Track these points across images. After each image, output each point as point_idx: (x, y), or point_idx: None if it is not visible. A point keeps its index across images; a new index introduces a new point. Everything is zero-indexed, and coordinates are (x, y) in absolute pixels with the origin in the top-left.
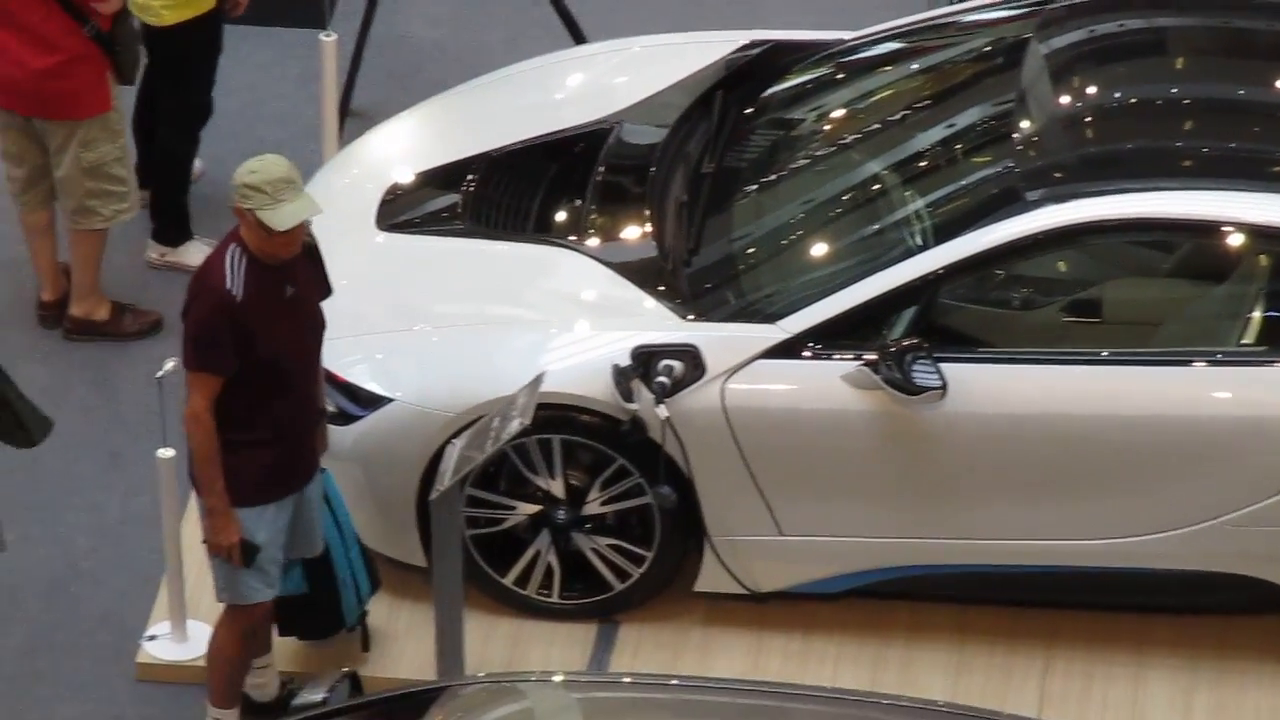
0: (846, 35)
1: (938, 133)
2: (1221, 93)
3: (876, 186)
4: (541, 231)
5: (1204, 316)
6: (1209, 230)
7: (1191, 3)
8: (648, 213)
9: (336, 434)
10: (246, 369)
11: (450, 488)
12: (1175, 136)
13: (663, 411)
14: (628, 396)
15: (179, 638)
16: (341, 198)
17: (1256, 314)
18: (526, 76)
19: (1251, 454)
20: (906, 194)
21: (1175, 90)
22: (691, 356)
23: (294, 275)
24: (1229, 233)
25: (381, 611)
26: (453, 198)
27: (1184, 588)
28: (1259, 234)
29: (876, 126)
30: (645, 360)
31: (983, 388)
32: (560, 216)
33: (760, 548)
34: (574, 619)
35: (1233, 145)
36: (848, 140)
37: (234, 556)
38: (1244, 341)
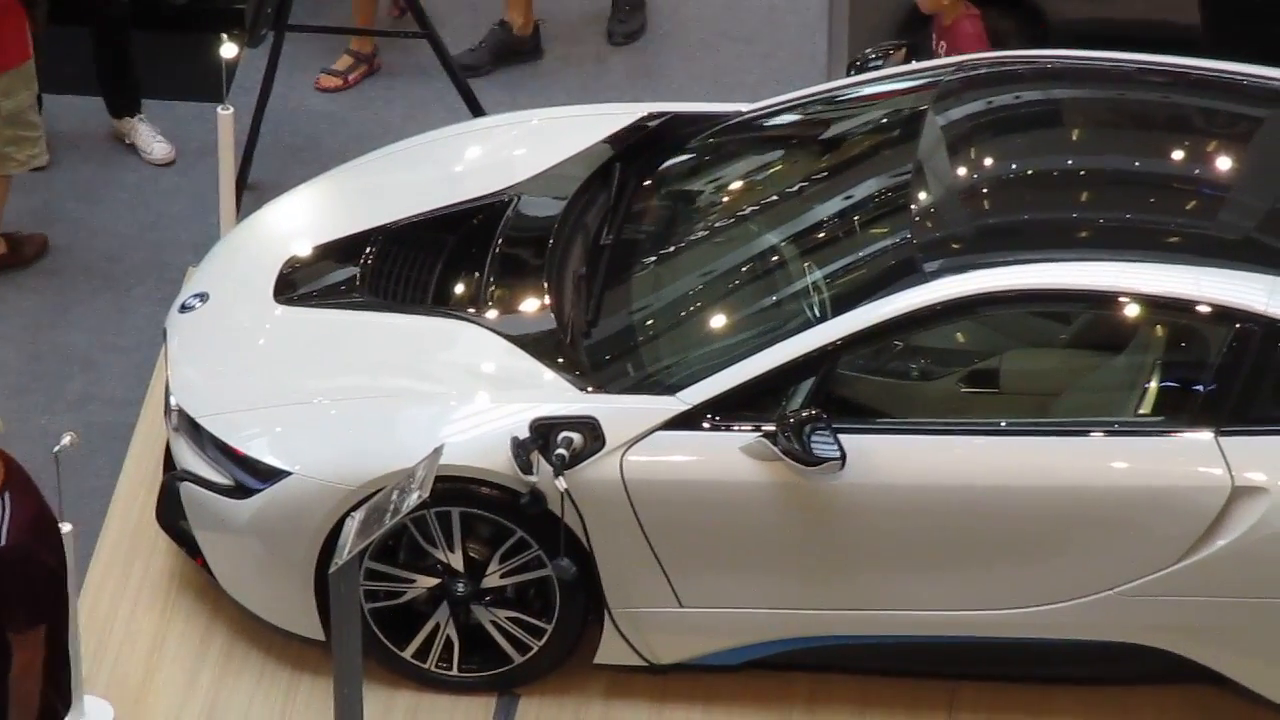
0: (744, 107)
1: (835, 204)
2: (1117, 164)
3: (775, 258)
4: (440, 304)
5: (1101, 387)
6: (1106, 301)
7: (1087, 75)
8: (546, 285)
9: (234, 508)
10: None
11: (349, 561)
12: (1072, 208)
13: (562, 484)
14: (527, 469)
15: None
16: (239, 271)
17: (1153, 384)
18: (425, 149)
19: (1149, 524)
20: (805, 265)
21: (1071, 162)
22: (590, 428)
23: None
24: (1125, 304)
25: (281, 687)
26: (351, 270)
27: (1084, 658)
28: (1155, 305)
29: (774, 198)
30: (544, 432)
31: (881, 458)
32: (459, 289)
33: (660, 620)
34: (474, 692)
35: (1128, 216)
36: (746, 212)
37: None
38: (1141, 412)
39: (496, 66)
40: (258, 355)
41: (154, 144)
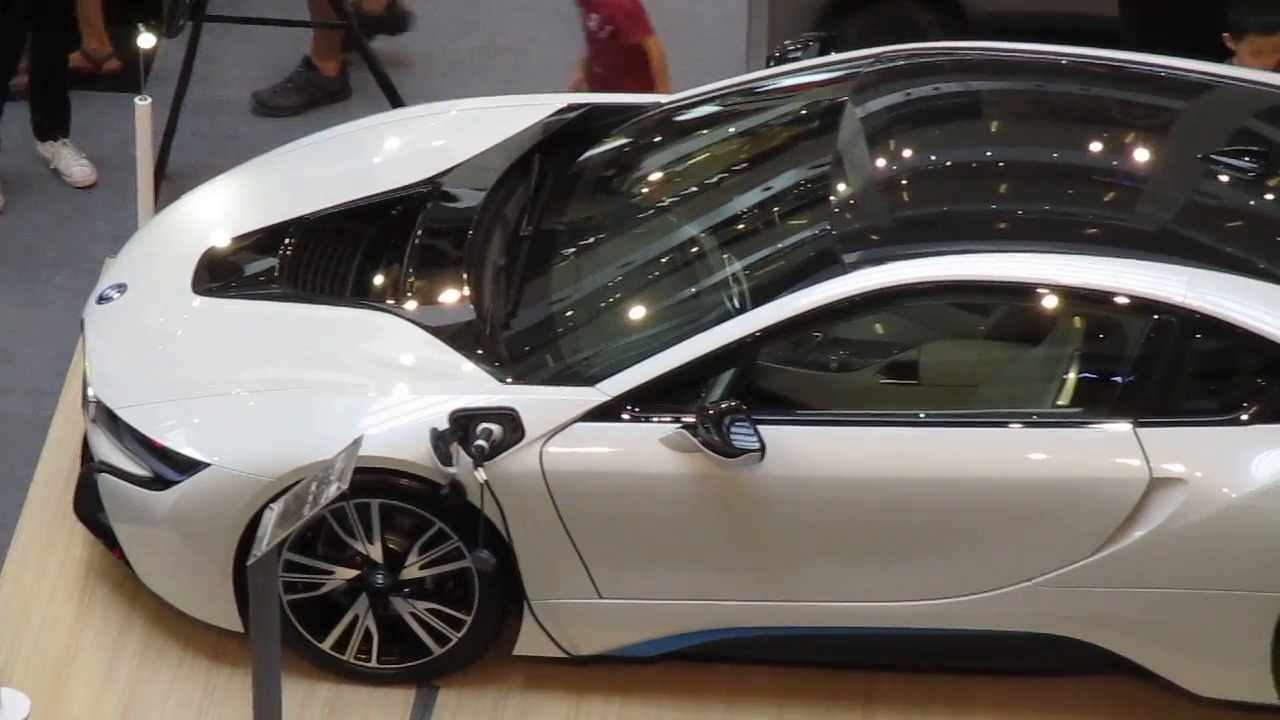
0: (663, 98)
1: (755, 196)
2: (1036, 156)
3: (694, 249)
4: (359, 295)
5: (1020, 378)
6: (1024, 292)
7: (1005, 67)
8: (465, 276)
9: (152, 499)
10: None
11: (268, 553)
12: (991, 199)
13: (481, 475)
14: (446, 460)
15: None
16: (157, 262)
17: (1071, 376)
18: (344, 140)
19: (1067, 515)
20: (724, 257)
21: (990, 153)
22: (510, 420)
23: None
24: (1044, 295)
25: (199, 678)
26: (269, 261)
27: (1003, 649)
28: (1073, 296)
29: (694, 189)
30: (463, 424)
31: (801, 450)
32: (378, 280)
33: (579, 611)
34: (392, 683)
35: (1047, 208)
36: (666, 203)
37: None
38: (1059, 403)
39: (305, 109)
40: (176, 346)
41: (75, 167)
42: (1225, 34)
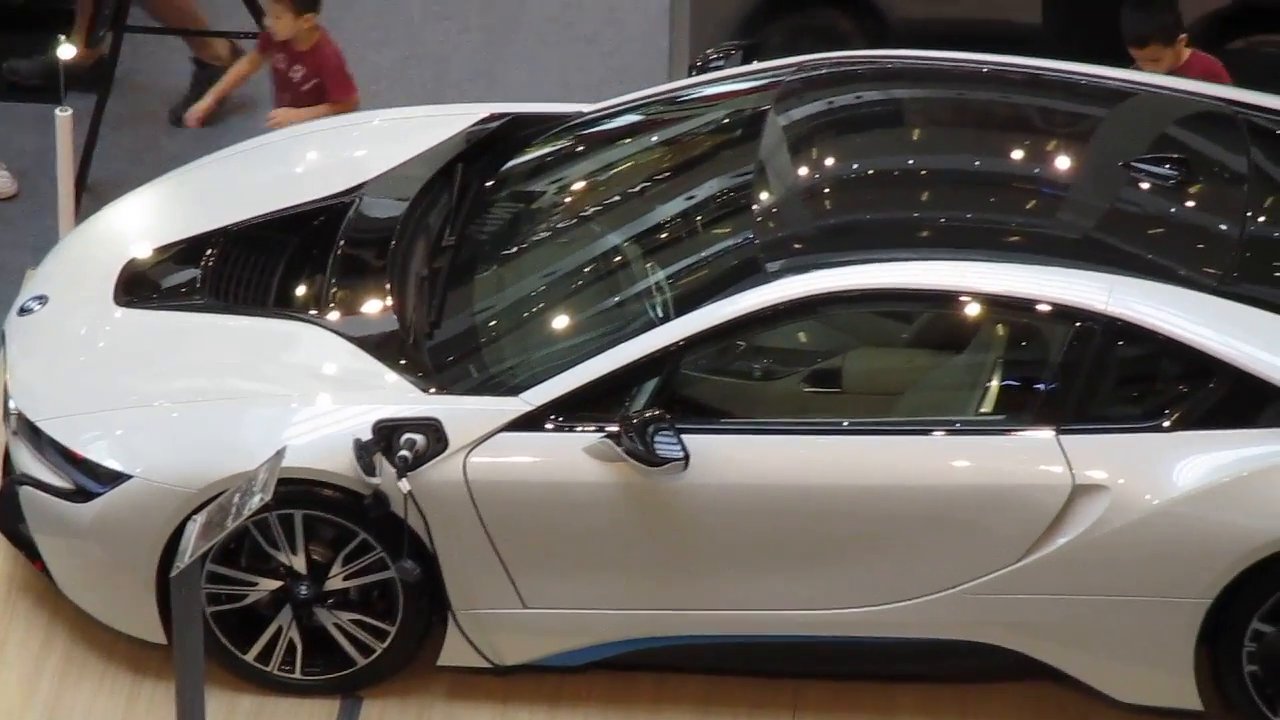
0: (585, 108)
1: (678, 204)
2: (958, 164)
3: (618, 258)
4: (282, 306)
5: (943, 386)
6: (947, 300)
7: (927, 75)
8: (389, 286)
9: (74, 512)
10: None
11: (191, 564)
12: (913, 207)
13: (405, 485)
14: (370, 471)
15: None
16: (78, 273)
17: (994, 383)
18: (266, 150)
19: (991, 522)
20: (648, 266)
21: (913, 161)
22: (434, 430)
23: None
24: (967, 303)
25: (123, 691)
26: (192, 272)
27: (927, 656)
28: (996, 304)
29: (617, 198)
30: (387, 434)
31: (725, 458)
32: (301, 290)
33: (504, 621)
34: (316, 694)
35: (969, 216)
36: (589, 212)
37: None
38: (983, 411)
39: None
40: (98, 358)
41: None
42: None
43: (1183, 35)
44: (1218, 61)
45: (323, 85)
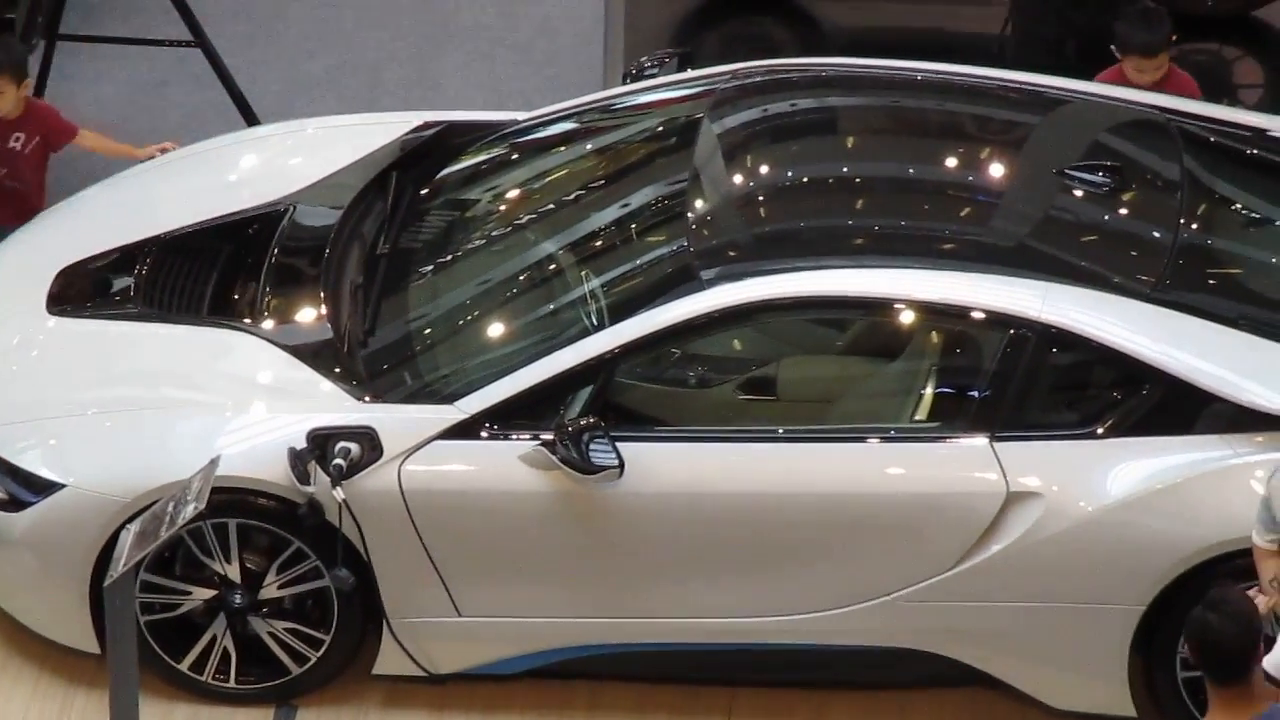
0: (520, 115)
1: (612, 212)
2: (892, 172)
3: (552, 266)
4: (216, 314)
5: (878, 393)
6: (881, 307)
7: (861, 83)
8: (323, 294)
9: (7, 521)
10: None
11: (124, 574)
12: (848, 215)
13: (339, 494)
14: (304, 479)
15: None
16: (11, 281)
17: (928, 390)
18: (200, 158)
19: (925, 530)
20: (582, 274)
21: (847, 169)
22: (368, 438)
23: None
24: (901, 310)
25: (56, 700)
26: (125, 281)
27: (862, 663)
28: (930, 311)
29: (552, 206)
30: (321, 443)
31: (660, 466)
32: (235, 299)
33: (439, 629)
34: (251, 703)
35: (903, 223)
36: (523, 220)
37: None
38: (917, 418)
39: None
40: (30, 367)
41: None
42: (1113, 45)
43: None
44: (1191, 79)
45: (45, 141)
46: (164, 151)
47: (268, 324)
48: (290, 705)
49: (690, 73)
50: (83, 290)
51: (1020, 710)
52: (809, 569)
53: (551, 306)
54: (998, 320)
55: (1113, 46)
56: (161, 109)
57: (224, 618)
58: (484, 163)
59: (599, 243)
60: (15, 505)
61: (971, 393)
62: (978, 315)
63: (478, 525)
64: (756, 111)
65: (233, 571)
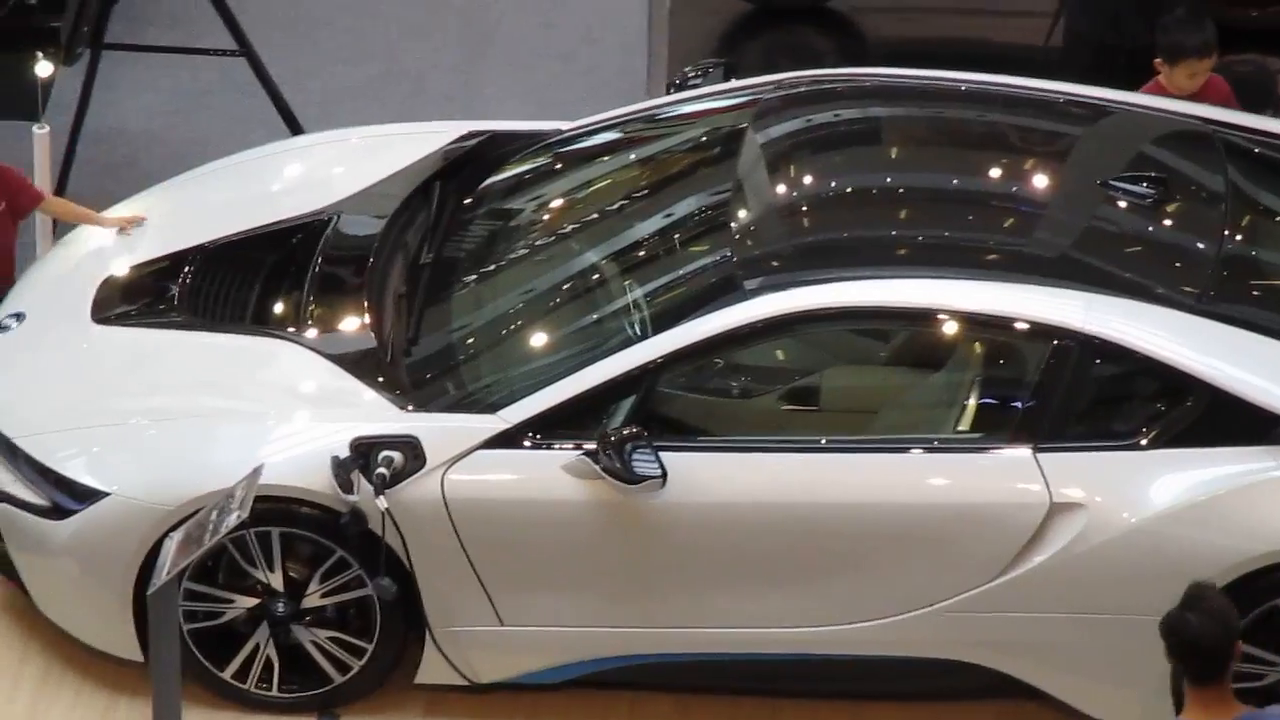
0: (564, 125)
1: (656, 222)
2: (935, 182)
3: (595, 276)
4: (259, 323)
5: (920, 404)
6: (924, 318)
7: (904, 93)
8: (366, 304)
9: (51, 529)
10: None
11: (167, 582)
12: (891, 225)
13: (382, 503)
14: (347, 488)
15: None
16: (56, 290)
17: (971, 401)
18: (243, 168)
19: (968, 540)
20: (625, 283)
21: (890, 179)
22: (411, 447)
23: None
24: (944, 320)
25: (99, 708)
26: (169, 289)
27: (905, 674)
28: (973, 321)
29: (595, 216)
30: (364, 452)
31: (702, 476)
32: (278, 308)
33: (481, 639)
34: (294, 712)
35: (947, 234)
36: (567, 230)
37: None
38: (960, 428)
39: None
40: (75, 375)
41: None
42: (1156, 59)
43: None
44: (1225, 82)
45: (11, 208)
46: (130, 225)
47: (311, 333)
48: (333, 713)
49: (734, 82)
50: (127, 298)
51: None
52: (851, 579)
53: (594, 316)
54: (1041, 331)
55: (1157, 60)
56: (206, 118)
57: (267, 626)
58: (527, 172)
59: (642, 252)
60: (59, 513)
61: (1014, 403)
62: (1021, 326)
63: (520, 535)
64: (800, 122)
65: (276, 580)
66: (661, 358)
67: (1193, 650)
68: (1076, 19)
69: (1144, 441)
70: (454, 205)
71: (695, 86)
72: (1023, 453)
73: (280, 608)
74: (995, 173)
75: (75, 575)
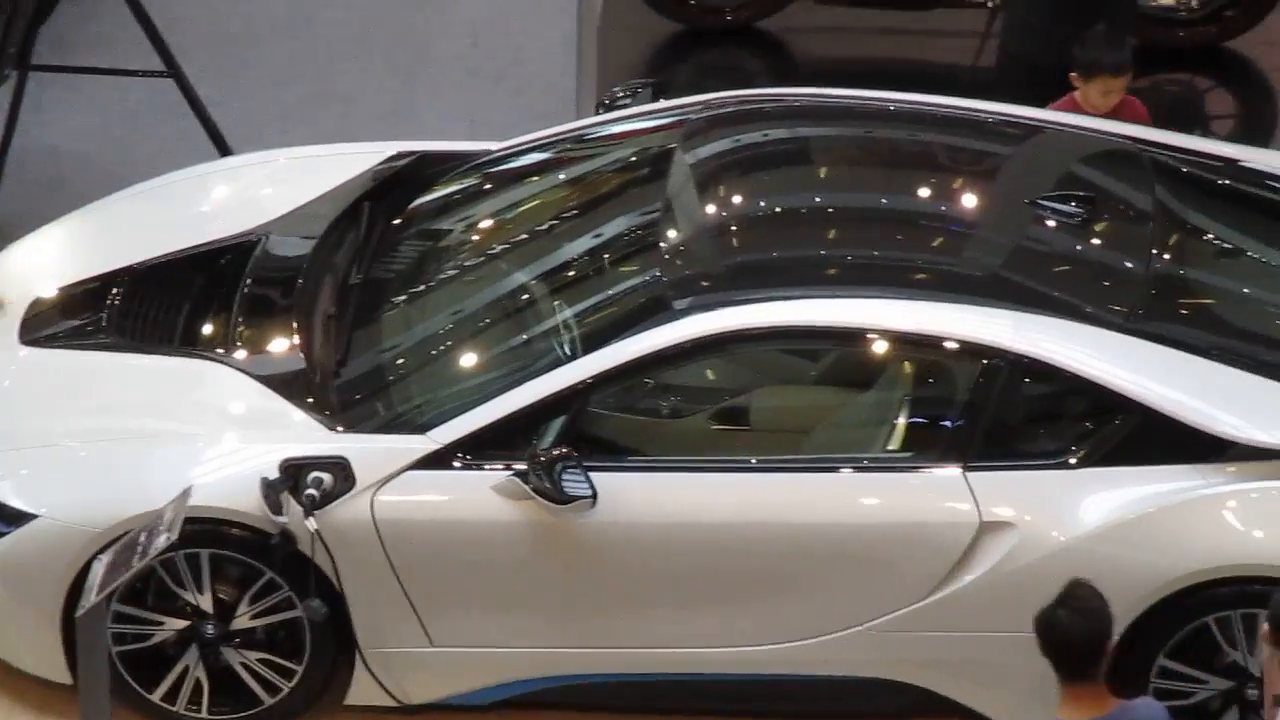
0: (493, 146)
1: (585, 242)
2: (865, 202)
3: (525, 296)
4: (188, 344)
5: (851, 423)
6: (854, 338)
7: (834, 113)
8: (295, 325)
9: None
10: None
11: (96, 604)
12: (821, 245)
13: (312, 524)
14: (277, 509)
15: None
16: None
17: (901, 420)
18: (172, 189)
19: (898, 559)
20: (555, 303)
21: (820, 199)
22: (340, 468)
23: None
24: (873, 340)
25: None
26: (98, 311)
27: (837, 693)
28: (903, 341)
29: (525, 236)
30: (294, 473)
31: (633, 496)
32: (207, 329)
33: (412, 659)
34: None
35: (876, 254)
36: (496, 250)
37: None
38: (890, 448)
39: None
40: (3, 397)
41: None
42: (1072, 74)
43: None
44: (1141, 103)
45: None
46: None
47: (240, 354)
48: None
49: (663, 103)
50: (55, 320)
51: None
52: (782, 599)
53: (524, 336)
54: (970, 351)
55: (1072, 75)
56: (134, 139)
57: (196, 648)
58: (457, 193)
59: (572, 273)
60: None
61: (944, 423)
62: (950, 345)
63: (451, 555)
64: (729, 141)
65: (205, 602)
66: (591, 378)
67: (1063, 647)
68: (1009, 39)
69: (1073, 460)
70: (383, 226)
71: (624, 107)
72: (953, 472)
73: (210, 629)
74: (925, 192)
75: (3, 597)
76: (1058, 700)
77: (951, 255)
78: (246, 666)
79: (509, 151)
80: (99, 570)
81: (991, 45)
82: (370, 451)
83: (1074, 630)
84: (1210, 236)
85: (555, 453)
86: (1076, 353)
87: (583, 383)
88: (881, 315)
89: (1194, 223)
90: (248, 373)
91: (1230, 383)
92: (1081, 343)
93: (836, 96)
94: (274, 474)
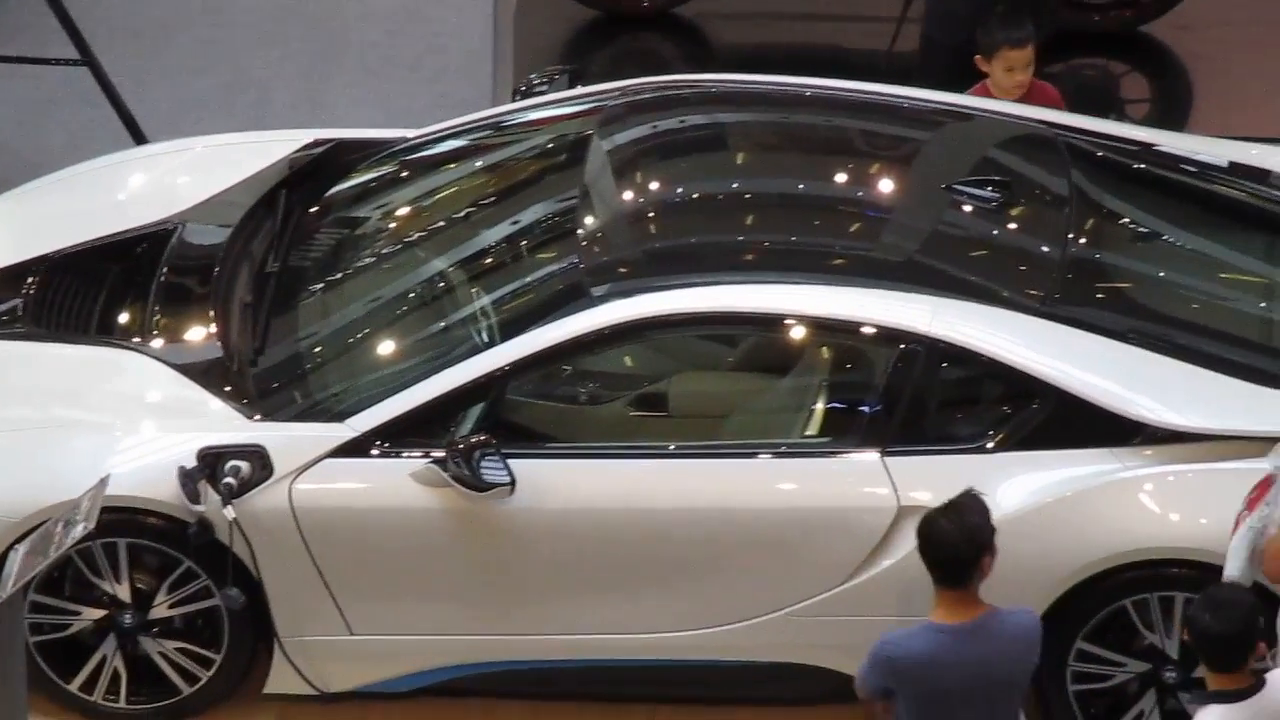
0: (409, 133)
1: (503, 229)
2: (782, 188)
3: (443, 284)
4: (104, 334)
5: (769, 409)
6: (772, 323)
7: (751, 99)
8: (212, 313)
9: None
10: None
11: (13, 594)
12: (738, 231)
13: (230, 513)
14: (194, 498)
15: None
16: None
17: (819, 406)
18: (87, 177)
19: (817, 544)
20: (473, 291)
21: (737, 185)
22: (258, 457)
23: None
24: (791, 325)
25: None
26: (12, 301)
27: (757, 679)
28: (820, 326)
29: (442, 224)
30: (211, 461)
31: (551, 483)
32: (123, 318)
33: (330, 648)
34: None
35: (794, 239)
36: (413, 238)
37: None
38: (808, 433)
39: None
40: None
41: None
42: (977, 57)
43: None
44: (1053, 88)
45: None
46: None
47: (157, 343)
48: None
49: (580, 89)
50: None
51: None
52: (700, 585)
53: (442, 324)
54: (887, 336)
55: (978, 58)
56: (49, 128)
57: (114, 638)
58: (373, 180)
59: (489, 260)
60: None
61: (862, 408)
62: (867, 331)
63: (369, 543)
64: (646, 128)
65: (123, 591)
66: (509, 365)
67: (938, 554)
68: (930, 24)
69: (991, 445)
70: (300, 214)
71: (541, 93)
72: (871, 457)
73: (127, 619)
74: (841, 177)
75: None
76: (931, 604)
77: (868, 240)
78: (165, 656)
79: (426, 139)
80: (15, 560)
81: (908, 30)
82: (288, 440)
83: (947, 540)
84: (1126, 221)
85: (473, 440)
86: (993, 337)
87: (500, 370)
88: (799, 300)
89: (1110, 207)
90: (165, 361)
91: (1146, 367)
92: (998, 327)
93: (754, 82)
94: (191, 462)
